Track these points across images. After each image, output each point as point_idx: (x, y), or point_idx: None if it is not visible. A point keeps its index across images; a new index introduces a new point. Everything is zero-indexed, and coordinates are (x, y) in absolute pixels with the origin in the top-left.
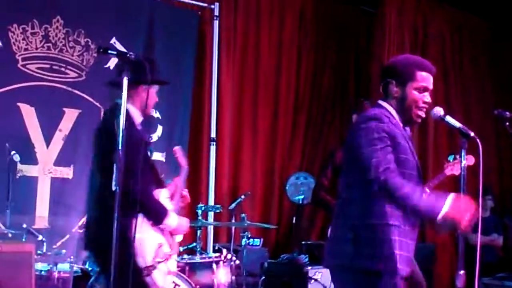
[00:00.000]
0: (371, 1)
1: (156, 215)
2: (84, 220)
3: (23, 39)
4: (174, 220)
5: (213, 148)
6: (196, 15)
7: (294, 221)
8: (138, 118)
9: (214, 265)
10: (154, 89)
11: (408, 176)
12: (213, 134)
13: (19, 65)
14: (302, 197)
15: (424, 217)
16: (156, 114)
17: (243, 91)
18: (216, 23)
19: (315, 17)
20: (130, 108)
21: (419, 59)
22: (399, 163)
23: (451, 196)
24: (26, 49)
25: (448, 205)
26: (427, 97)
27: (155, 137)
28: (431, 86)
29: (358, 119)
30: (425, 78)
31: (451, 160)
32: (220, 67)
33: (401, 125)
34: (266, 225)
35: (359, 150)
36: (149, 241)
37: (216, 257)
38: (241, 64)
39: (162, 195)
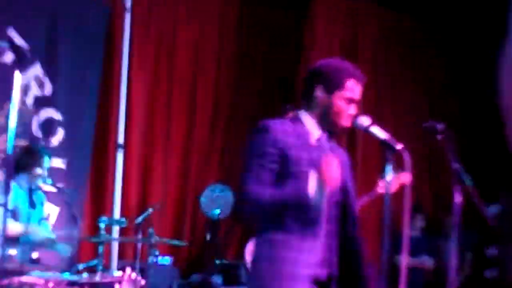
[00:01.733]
0: (300, 5)
1: None
2: None
3: None
4: None
5: (120, 155)
6: (106, 7)
7: (208, 237)
8: None
9: (116, 285)
10: None
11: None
12: (120, 140)
13: None
14: (218, 211)
15: (294, 204)
16: (58, 116)
17: (155, 92)
18: (127, 16)
19: (238, 20)
20: None
21: (351, 67)
22: (287, 176)
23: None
24: None
25: (311, 180)
26: (352, 109)
27: (55, 141)
28: (358, 97)
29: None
30: (354, 88)
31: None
32: (131, 65)
33: (315, 134)
34: (176, 242)
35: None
36: None
37: (119, 276)
38: (154, 63)
39: None
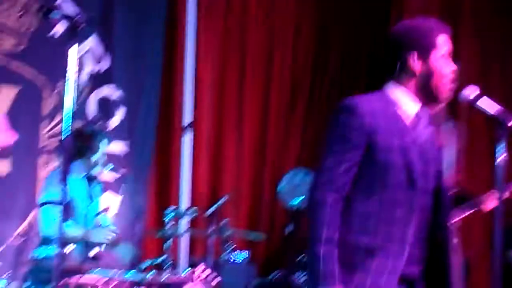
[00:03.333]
0: None
1: None
2: (23, 227)
3: None
4: None
5: (188, 137)
6: None
7: (288, 230)
8: None
9: (186, 285)
10: None
11: (386, 183)
12: (188, 119)
13: None
14: (299, 200)
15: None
16: (116, 93)
17: (226, 67)
18: None
19: None
20: None
21: (433, 21)
22: (373, 166)
23: None
24: None
25: None
26: (453, 65)
27: (114, 122)
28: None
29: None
30: (447, 42)
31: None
32: (198, 37)
33: (409, 111)
34: (253, 235)
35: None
36: None
37: (189, 274)
38: (224, 34)
39: None
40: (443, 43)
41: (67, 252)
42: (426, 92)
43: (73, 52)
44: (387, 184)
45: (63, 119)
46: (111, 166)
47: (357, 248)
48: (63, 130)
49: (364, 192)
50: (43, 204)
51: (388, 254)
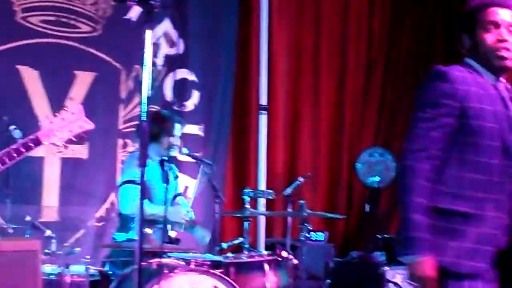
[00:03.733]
0: None
1: None
2: (103, 210)
3: None
4: None
5: (263, 118)
6: None
7: (367, 209)
8: None
9: (266, 266)
10: None
11: (481, 149)
12: (263, 101)
13: (18, 18)
14: (377, 178)
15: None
16: (191, 77)
17: (300, 46)
18: None
19: None
20: None
21: None
22: (466, 132)
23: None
24: None
25: (420, 260)
26: (503, 34)
27: (190, 105)
28: (508, 19)
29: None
30: (495, 13)
31: None
32: (271, 15)
33: (490, 81)
34: (331, 215)
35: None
36: None
37: (268, 255)
38: (298, 12)
39: None
40: (489, 14)
41: (147, 234)
42: (485, 65)
43: (148, 36)
44: (482, 150)
45: (140, 102)
46: (185, 150)
47: (452, 214)
48: (140, 113)
49: (458, 158)
50: (122, 183)
51: (484, 222)
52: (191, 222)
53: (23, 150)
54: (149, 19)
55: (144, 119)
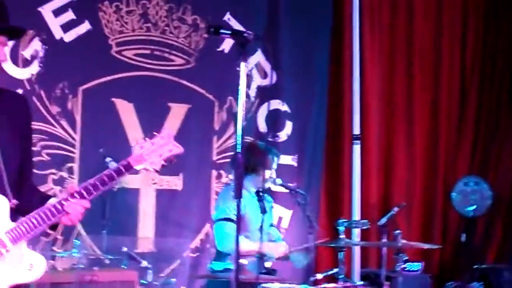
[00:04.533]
0: None
1: None
2: (198, 241)
3: (117, 19)
4: None
5: (357, 148)
6: None
7: (463, 239)
8: None
9: None
10: None
11: None
12: (356, 131)
13: (112, 52)
14: (473, 207)
15: None
16: (284, 107)
17: (393, 76)
18: None
19: None
20: None
21: None
22: None
23: None
24: (120, 32)
25: None
26: None
27: (283, 136)
28: None
29: None
30: None
31: None
32: (362, 47)
33: None
34: (427, 245)
35: None
36: None
37: (364, 285)
38: (389, 43)
39: None
40: None
41: (243, 265)
42: None
43: (242, 68)
44: None
45: (236, 134)
46: (279, 180)
47: None
48: (235, 145)
49: None
50: (217, 220)
51: None
52: (287, 256)
53: (115, 175)
54: (243, 52)
55: (239, 151)
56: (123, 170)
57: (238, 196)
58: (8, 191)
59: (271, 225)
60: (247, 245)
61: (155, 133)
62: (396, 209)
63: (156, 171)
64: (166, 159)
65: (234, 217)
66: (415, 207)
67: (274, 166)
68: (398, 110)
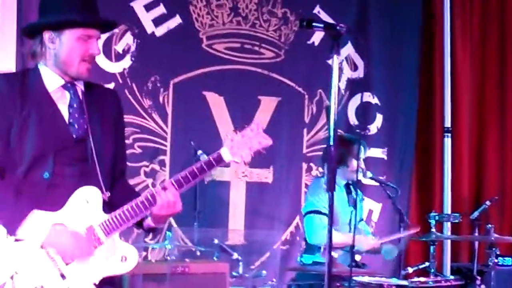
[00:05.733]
0: None
1: None
2: (288, 234)
3: (207, 13)
4: None
5: (448, 141)
6: None
7: None
8: (55, 83)
9: None
10: (73, 34)
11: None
12: (447, 123)
13: (203, 46)
14: None
15: None
16: (374, 100)
17: (485, 67)
18: None
19: None
20: (42, 70)
21: None
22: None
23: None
24: (211, 26)
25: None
26: None
27: (373, 128)
28: None
29: None
30: None
31: None
32: (453, 37)
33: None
34: None
35: None
36: None
37: (455, 280)
38: (481, 33)
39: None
40: None
41: (334, 258)
42: None
43: (335, 61)
44: None
45: (325, 126)
46: (369, 173)
47: None
48: (328, 138)
49: None
50: (307, 213)
51: None
52: (376, 248)
53: (206, 168)
54: (335, 45)
55: (332, 144)
56: (214, 162)
57: (331, 189)
58: (101, 183)
59: (361, 219)
60: (337, 237)
61: (245, 125)
62: (488, 203)
63: (246, 163)
64: (256, 152)
65: (323, 210)
66: (508, 201)
67: (362, 155)
68: (490, 102)
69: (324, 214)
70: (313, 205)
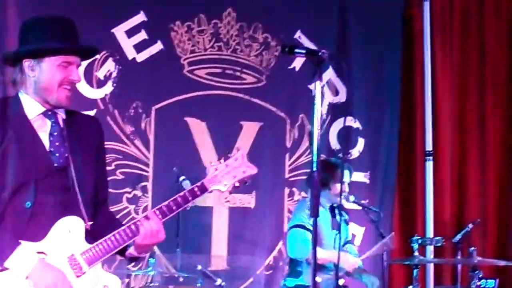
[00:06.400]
0: None
1: None
2: (271, 259)
3: (189, 39)
4: None
5: (429, 164)
6: None
7: None
8: (35, 110)
9: None
10: (54, 61)
11: None
12: (429, 147)
13: (185, 71)
14: None
15: None
16: (356, 124)
17: (465, 89)
18: (426, 4)
19: None
20: (23, 98)
21: None
22: None
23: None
24: (192, 52)
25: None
26: None
27: (355, 153)
28: None
29: None
30: None
31: None
32: (434, 60)
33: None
34: (503, 262)
35: None
36: None
37: None
38: (461, 55)
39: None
40: None
41: (317, 283)
42: None
43: (317, 87)
44: None
45: (312, 152)
46: (352, 197)
47: None
48: (312, 163)
49: None
50: (291, 227)
51: None
52: (360, 270)
53: (190, 198)
54: (318, 70)
55: (315, 170)
56: (198, 192)
57: (315, 214)
58: (83, 213)
59: (348, 241)
60: (319, 253)
61: (229, 154)
62: (470, 225)
63: (230, 191)
64: (240, 180)
65: (308, 226)
66: (490, 224)
67: (346, 179)
68: (471, 125)
69: (309, 230)
70: (299, 220)
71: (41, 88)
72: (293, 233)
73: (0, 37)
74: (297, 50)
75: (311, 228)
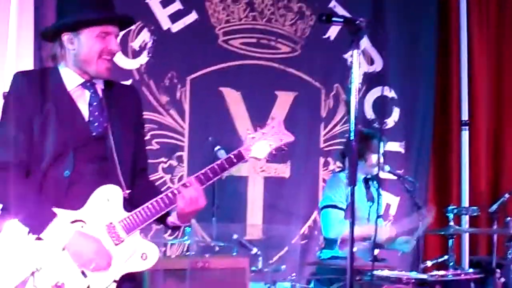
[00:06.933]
0: None
1: None
2: (306, 228)
3: (223, 8)
4: None
5: (465, 134)
6: None
7: None
8: (74, 81)
9: (472, 284)
10: (92, 32)
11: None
12: (465, 116)
13: (219, 41)
14: None
15: None
16: (391, 94)
17: (502, 59)
18: None
19: None
20: (62, 71)
21: None
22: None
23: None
24: (227, 21)
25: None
26: None
27: (390, 122)
28: None
29: None
30: None
31: None
32: (470, 29)
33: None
34: None
35: None
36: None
37: (474, 273)
38: (498, 23)
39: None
40: None
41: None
42: None
43: (355, 56)
44: None
45: (347, 121)
46: (387, 167)
47: None
48: (349, 132)
49: None
50: (323, 207)
51: None
52: (393, 239)
53: (227, 165)
54: (355, 39)
55: (353, 138)
56: (235, 160)
57: (353, 183)
58: (121, 181)
59: (379, 216)
60: (355, 230)
61: (266, 122)
62: (507, 195)
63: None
64: (277, 148)
65: (340, 204)
66: None
67: (381, 150)
68: (507, 95)
69: (341, 208)
70: (330, 200)
71: (81, 60)
72: (325, 214)
73: (36, 9)
74: (334, 19)
75: (342, 207)
